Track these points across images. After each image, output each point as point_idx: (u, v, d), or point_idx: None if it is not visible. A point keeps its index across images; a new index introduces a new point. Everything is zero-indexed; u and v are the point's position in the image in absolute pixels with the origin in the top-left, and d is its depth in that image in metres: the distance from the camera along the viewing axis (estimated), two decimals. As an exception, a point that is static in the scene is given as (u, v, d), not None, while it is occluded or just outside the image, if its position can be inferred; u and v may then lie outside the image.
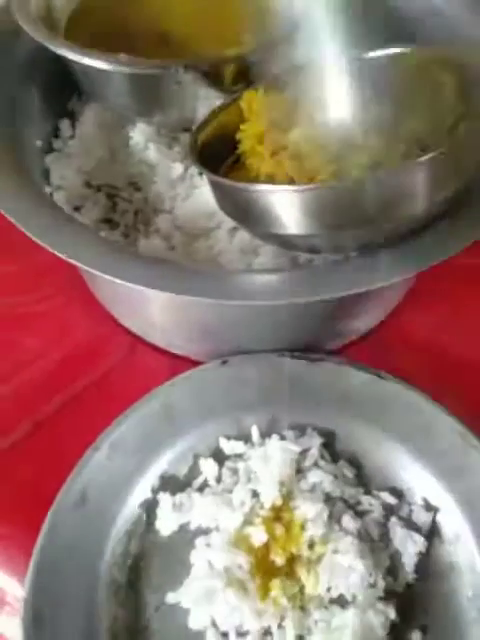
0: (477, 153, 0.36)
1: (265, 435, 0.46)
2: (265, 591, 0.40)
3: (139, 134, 0.49)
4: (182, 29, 0.47)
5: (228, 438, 0.46)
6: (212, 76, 0.44)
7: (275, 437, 0.45)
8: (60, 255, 0.37)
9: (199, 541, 0.43)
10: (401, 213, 0.35)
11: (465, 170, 0.36)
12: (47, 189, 0.48)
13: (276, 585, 0.40)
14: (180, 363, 0.52)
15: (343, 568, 0.40)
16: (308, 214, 0.35)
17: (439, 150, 0.33)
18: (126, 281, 0.37)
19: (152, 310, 0.47)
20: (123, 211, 0.51)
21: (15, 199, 0.41)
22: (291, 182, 0.37)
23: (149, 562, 0.43)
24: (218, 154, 0.44)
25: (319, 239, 0.37)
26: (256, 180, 0.39)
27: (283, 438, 0.46)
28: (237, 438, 0.46)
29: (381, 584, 0.40)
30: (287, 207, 0.36)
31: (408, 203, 0.34)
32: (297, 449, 0.45)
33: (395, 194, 0.34)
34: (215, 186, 0.41)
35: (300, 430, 0.46)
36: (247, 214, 0.39)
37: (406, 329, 0.55)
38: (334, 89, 0.40)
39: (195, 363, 0.52)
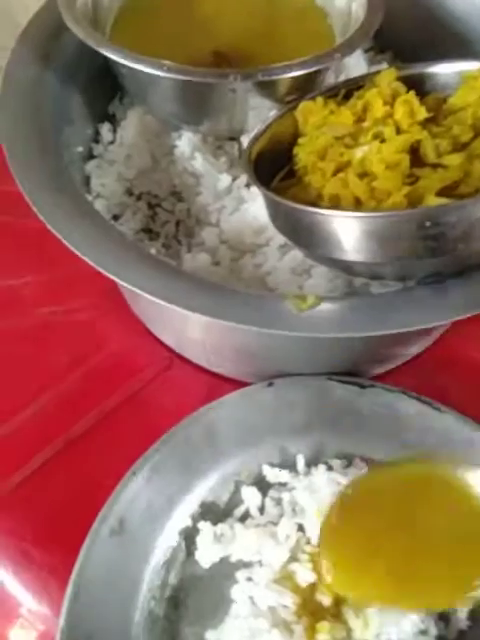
0: None
1: (311, 464, 0.44)
2: (312, 634, 0.38)
3: (185, 142, 0.46)
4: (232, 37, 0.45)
5: (272, 465, 0.44)
6: (267, 86, 0.41)
7: (322, 467, 0.43)
8: (103, 271, 0.35)
9: (241, 575, 0.41)
10: None
11: None
12: (88, 197, 0.46)
13: (324, 628, 0.38)
14: (219, 381, 0.50)
15: (394, 613, 0.38)
16: (377, 242, 0.33)
17: None
18: (172, 304, 0.34)
19: (193, 329, 0.45)
20: (164, 222, 0.49)
21: (56, 207, 0.38)
22: (358, 203, 0.35)
23: (188, 595, 0.41)
24: (270, 167, 0.42)
25: (385, 267, 0.35)
26: (318, 200, 0.36)
27: (330, 468, 0.44)
28: (281, 466, 0.44)
29: (433, 631, 0.38)
30: (354, 233, 0.33)
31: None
32: (345, 481, 0.42)
33: (477, 223, 0.31)
34: (272, 204, 0.38)
35: (347, 459, 0.44)
36: (306, 236, 0.36)
37: (454, 353, 0.52)
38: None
39: (235, 382, 0.50)
